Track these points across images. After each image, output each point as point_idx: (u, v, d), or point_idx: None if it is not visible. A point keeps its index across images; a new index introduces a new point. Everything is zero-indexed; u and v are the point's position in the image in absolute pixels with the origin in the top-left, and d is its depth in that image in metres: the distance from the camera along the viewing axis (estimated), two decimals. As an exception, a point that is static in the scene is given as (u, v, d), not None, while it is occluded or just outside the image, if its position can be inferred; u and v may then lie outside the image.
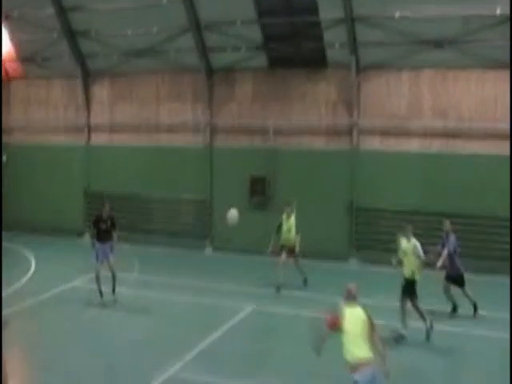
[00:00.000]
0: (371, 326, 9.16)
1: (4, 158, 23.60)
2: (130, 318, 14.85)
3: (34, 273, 18.30)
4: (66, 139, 23.35)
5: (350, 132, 19.44)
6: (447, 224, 14.67)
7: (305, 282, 17.15)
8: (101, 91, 22.75)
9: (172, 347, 12.79)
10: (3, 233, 22.74)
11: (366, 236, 19.25)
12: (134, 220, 21.81)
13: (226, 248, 20.57)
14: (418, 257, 13.17)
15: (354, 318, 9.20)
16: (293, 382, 11.25)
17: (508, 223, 17.49)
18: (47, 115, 23.51)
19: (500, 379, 11.36)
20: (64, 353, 12.68)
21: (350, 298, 9.36)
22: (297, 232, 17.01)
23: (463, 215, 17.74)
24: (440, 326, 13.52)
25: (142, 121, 21.94)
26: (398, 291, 13.42)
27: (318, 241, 18.71)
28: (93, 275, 15.93)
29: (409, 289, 13.22)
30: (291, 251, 17.09)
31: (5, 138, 24.05)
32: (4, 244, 19.96)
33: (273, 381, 11.21)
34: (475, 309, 14.63)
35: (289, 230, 17.07)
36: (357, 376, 8.89)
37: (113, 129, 22.64)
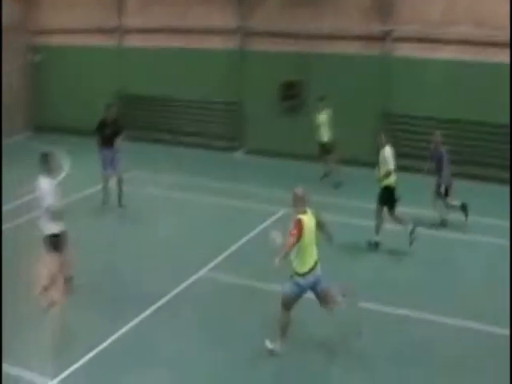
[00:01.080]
0: (320, 225, 9.35)
1: (38, 57, 23.80)
2: (161, 218, 15.33)
3: (67, 174, 18.68)
4: (97, 41, 23.35)
5: (383, 38, 19.18)
6: (438, 136, 14.53)
7: (337, 185, 17.33)
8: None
9: (203, 248, 13.26)
10: (37, 133, 23.39)
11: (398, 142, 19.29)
12: (165, 122, 22.10)
13: (257, 152, 20.81)
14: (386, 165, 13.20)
15: (309, 225, 9.14)
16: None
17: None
18: (80, 16, 23.41)
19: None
20: (95, 250, 13.16)
21: (300, 202, 9.19)
22: (330, 129, 17.04)
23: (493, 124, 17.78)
24: (429, 233, 13.85)
25: (174, 23, 21.82)
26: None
27: (349, 147, 18.81)
28: (127, 175, 16.27)
29: (385, 196, 13.34)
30: (326, 150, 17.30)
31: (38, 39, 24.15)
32: (37, 146, 20.36)
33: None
34: (464, 210, 14.54)
35: (321, 126, 17.20)
36: (301, 281, 9.14)
37: (145, 31, 22.57)
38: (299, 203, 9.19)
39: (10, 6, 22.69)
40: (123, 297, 11.49)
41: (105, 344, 9.95)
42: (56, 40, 23.95)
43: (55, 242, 11.18)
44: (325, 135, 17.46)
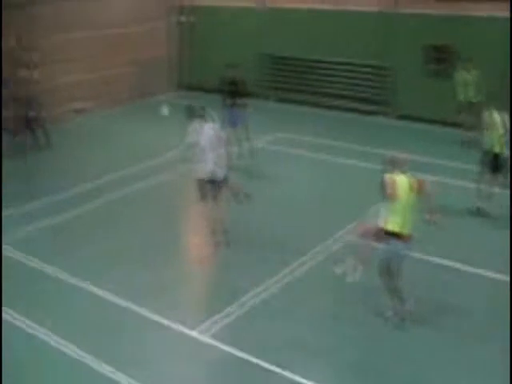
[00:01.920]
0: (419, 188, 9.16)
1: (185, 18, 24.42)
2: (303, 178, 15.49)
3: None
4: (245, 2, 23.45)
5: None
6: None
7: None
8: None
9: (344, 209, 13.25)
10: (185, 92, 24.03)
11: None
12: (312, 84, 21.94)
13: (404, 116, 20.20)
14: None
15: (405, 188, 9.13)
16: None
17: None
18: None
19: None
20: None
21: (398, 167, 9.26)
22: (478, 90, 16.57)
23: None
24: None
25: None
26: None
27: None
28: (269, 137, 16.45)
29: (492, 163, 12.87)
30: (469, 110, 16.76)
31: (187, 1, 24.73)
32: (183, 102, 20.94)
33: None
34: None
35: (468, 86, 16.71)
36: (391, 244, 9.07)
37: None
38: (397, 167, 9.24)
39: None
40: (263, 251, 11.74)
41: (248, 296, 10.21)
42: (203, 1, 24.37)
43: (206, 187, 11.75)
44: (471, 95, 16.95)
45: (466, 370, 8.56)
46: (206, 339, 9.16)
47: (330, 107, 21.42)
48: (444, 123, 18.79)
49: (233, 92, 16.28)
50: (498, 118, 12.85)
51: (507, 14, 18.01)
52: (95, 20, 21.56)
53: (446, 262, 11.17)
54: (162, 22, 24.52)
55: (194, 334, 9.28)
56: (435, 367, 8.58)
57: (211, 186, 11.79)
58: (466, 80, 17.08)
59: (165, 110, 14.53)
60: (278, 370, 8.45)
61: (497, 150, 12.86)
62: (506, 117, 12.85)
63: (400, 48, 20.24)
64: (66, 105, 20.95)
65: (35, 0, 19.73)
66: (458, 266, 11.08)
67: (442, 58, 19.29)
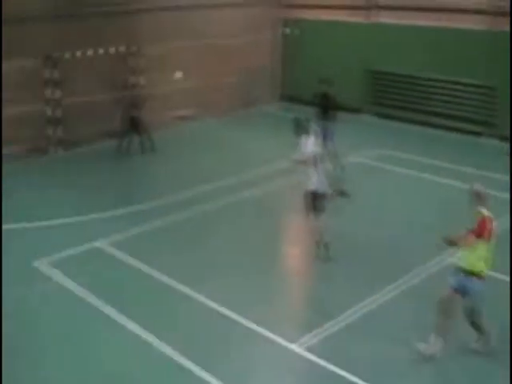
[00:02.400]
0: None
1: (292, 31, 24.60)
2: (409, 195, 15.43)
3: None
4: (349, 16, 23.52)
5: None
6: None
7: None
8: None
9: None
10: (286, 103, 24.24)
11: None
12: (415, 101, 21.76)
13: (508, 137, 19.73)
14: None
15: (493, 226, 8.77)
16: None
17: None
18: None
19: None
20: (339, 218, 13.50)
21: (482, 200, 8.80)
22: None
23: None
24: None
25: (425, 1, 21.32)
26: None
27: None
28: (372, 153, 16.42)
29: None
30: None
31: (292, 13, 24.95)
32: (286, 115, 21.22)
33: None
34: None
35: None
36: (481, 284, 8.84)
37: (397, 8, 22.33)
38: (483, 202, 8.82)
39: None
40: (364, 266, 11.80)
41: (348, 312, 10.23)
42: (308, 14, 24.54)
43: (312, 200, 11.93)
44: None
45: None
46: (306, 353, 9.21)
47: (433, 125, 21.12)
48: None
49: (323, 106, 16.54)
50: None
51: None
52: (202, 29, 22.07)
53: None
54: (268, 34, 24.91)
55: (293, 347, 9.35)
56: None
57: (315, 199, 11.96)
58: None
59: (178, 74, 14.66)
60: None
61: None
62: None
63: (506, 68, 19.77)
64: (170, 111, 21.57)
65: (147, 8, 20.40)
66: None
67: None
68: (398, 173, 16.92)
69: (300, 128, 12.16)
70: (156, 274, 11.48)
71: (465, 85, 20.70)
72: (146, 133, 18.68)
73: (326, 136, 16.10)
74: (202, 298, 10.63)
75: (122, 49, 19.70)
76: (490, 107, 20.27)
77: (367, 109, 22.95)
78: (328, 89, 16.96)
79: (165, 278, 11.29)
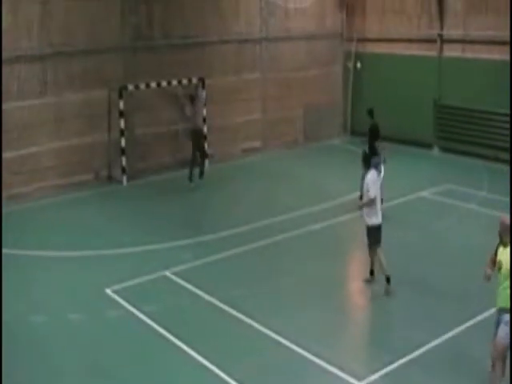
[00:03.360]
0: None
1: (358, 64, 24.70)
2: (476, 232, 15.10)
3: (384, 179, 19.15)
4: (416, 50, 23.48)
5: None
6: None
7: None
8: (455, 2, 22.29)
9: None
10: (354, 137, 24.25)
11: None
12: (482, 136, 21.42)
13: None
14: None
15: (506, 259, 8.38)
16: None
17: None
18: (401, 25, 23.76)
19: None
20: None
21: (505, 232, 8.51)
22: None
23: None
24: None
25: (496, 33, 21.11)
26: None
27: None
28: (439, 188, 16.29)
29: None
30: None
31: (359, 47, 25.03)
32: (353, 148, 21.28)
33: None
34: None
35: None
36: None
37: (465, 41, 22.22)
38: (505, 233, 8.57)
39: (335, 15, 24.34)
40: (439, 305, 11.64)
41: (418, 352, 10.06)
42: (378, 48, 24.59)
43: (374, 233, 12.00)
44: None
45: None
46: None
47: (503, 161, 20.73)
48: None
49: (371, 138, 16.83)
50: None
51: None
52: (271, 62, 22.39)
53: None
54: (337, 68, 25.10)
55: (351, 379, 9.30)
56: None
57: (378, 232, 12.08)
58: None
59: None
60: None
61: None
62: None
63: None
64: (235, 143, 21.85)
65: (216, 40, 20.88)
66: None
67: None
68: (463, 208, 16.70)
69: (366, 161, 12.31)
70: (222, 305, 11.57)
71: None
72: (199, 162, 18.84)
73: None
74: (268, 332, 10.64)
75: (193, 80, 20.11)
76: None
77: (436, 143, 22.76)
78: (372, 120, 17.22)
79: (231, 310, 11.38)
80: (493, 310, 10.97)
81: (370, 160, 12.41)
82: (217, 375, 9.44)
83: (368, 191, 11.98)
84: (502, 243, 8.59)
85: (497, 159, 20.88)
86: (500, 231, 8.63)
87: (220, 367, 9.58)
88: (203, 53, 20.82)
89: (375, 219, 12.03)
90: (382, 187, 15.94)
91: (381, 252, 12.12)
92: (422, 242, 14.52)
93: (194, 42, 20.41)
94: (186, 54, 20.25)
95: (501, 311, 8.55)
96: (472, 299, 11.58)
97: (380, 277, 12.54)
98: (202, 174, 18.73)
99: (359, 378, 9.32)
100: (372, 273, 12.50)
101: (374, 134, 16.90)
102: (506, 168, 20.13)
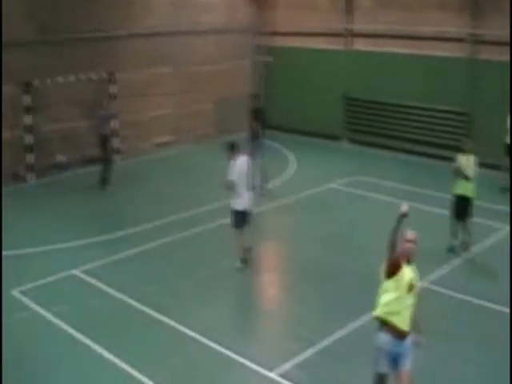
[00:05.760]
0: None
1: (269, 58, 24.85)
2: (383, 222, 15.35)
3: (294, 172, 19.60)
4: (325, 44, 23.83)
5: None
6: None
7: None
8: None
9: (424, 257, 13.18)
10: (265, 131, 24.40)
11: None
12: (391, 128, 22.03)
13: (485, 165, 19.89)
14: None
15: (409, 274, 7.55)
16: None
17: None
18: (311, 19, 24.02)
19: None
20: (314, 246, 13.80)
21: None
22: None
23: None
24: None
25: (403, 28, 21.70)
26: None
27: None
28: (348, 179, 16.62)
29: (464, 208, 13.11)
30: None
31: (269, 41, 25.22)
32: (267, 142, 21.39)
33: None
34: None
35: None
36: (388, 346, 7.53)
37: (373, 36, 22.69)
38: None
39: (245, 9, 24.34)
40: (346, 293, 11.88)
41: (328, 340, 10.26)
42: (287, 42, 24.82)
43: (236, 217, 12.58)
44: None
45: None
46: (284, 381, 9.23)
47: (412, 152, 21.37)
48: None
49: (255, 122, 17.55)
50: (465, 161, 13.26)
51: None
52: (181, 56, 22.26)
53: None
54: (246, 62, 25.13)
55: (271, 374, 9.36)
56: None
57: (244, 217, 12.60)
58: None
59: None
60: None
61: (458, 192, 13.31)
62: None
63: (479, 94, 20.15)
64: (147, 138, 21.64)
65: (126, 34, 20.57)
66: None
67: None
68: (371, 198, 17.13)
69: (232, 150, 12.61)
70: (134, 302, 11.46)
71: (440, 111, 21.03)
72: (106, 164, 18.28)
73: (256, 151, 17.00)
74: (182, 328, 10.61)
75: (102, 75, 19.77)
76: (464, 133, 20.55)
77: (345, 136, 23.22)
78: (258, 104, 17.90)
79: (143, 307, 11.28)
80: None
81: (236, 148, 12.67)
82: (129, 374, 9.35)
83: (232, 176, 12.38)
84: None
85: (404, 150, 21.46)
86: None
87: (134, 366, 9.47)
88: (114, 47, 20.45)
89: (236, 204, 12.54)
90: (264, 172, 16.86)
91: (241, 236, 12.65)
92: (331, 232, 14.82)
93: (104, 35, 20.00)
94: (96, 49, 19.85)
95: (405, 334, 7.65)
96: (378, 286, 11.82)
97: (288, 267, 12.79)
98: (104, 180, 18.06)
99: (271, 369, 9.42)
100: (245, 257, 12.83)
101: (257, 118, 17.60)
102: (413, 158, 20.78)
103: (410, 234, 7.58)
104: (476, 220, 13.76)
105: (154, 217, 15.55)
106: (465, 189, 13.29)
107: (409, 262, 7.57)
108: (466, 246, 13.47)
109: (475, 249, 13.65)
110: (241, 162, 12.53)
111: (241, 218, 12.61)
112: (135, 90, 20.89)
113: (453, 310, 11.32)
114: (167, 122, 22.16)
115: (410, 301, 7.51)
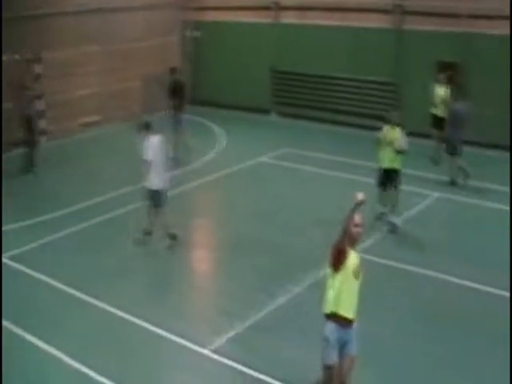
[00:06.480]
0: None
1: (197, 33, 24.61)
2: (312, 193, 15.66)
3: (223, 147, 19.49)
4: (253, 17, 23.70)
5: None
6: None
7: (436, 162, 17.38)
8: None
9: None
10: (194, 107, 24.17)
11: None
12: (322, 100, 22.13)
13: (412, 134, 20.18)
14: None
15: (354, 260, 7.42)
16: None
17: None
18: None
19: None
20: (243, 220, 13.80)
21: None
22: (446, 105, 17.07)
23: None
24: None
25: (329, 0, 21.69)
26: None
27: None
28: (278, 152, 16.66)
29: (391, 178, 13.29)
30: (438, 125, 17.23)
31: (197, 15, 24.94)
32: (195, 118, 21.31)
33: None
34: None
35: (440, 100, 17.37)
36: (335, 334, 7.42)
37: (301, 8, 22.69)
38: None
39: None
40: (277, 266, 11.94)
41: (260, 314, 10.30)
42: (214, 16, 24.61)
43: (152, 197, 12.52)
44: (441, 110, 17.49)
45: None
46: (216, 356, 9.22)
47: (340, 123, 21.53)
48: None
49: (174, 96, 17.54)
50: (391, 133, 13.33)
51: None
52: (106, 34, 21.78)
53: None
54: (175, 37, 24.78)
55: (204, 351, 9.34)
56: None
57: (157, 196, 12.53)
58: (438, 93, 17.75)
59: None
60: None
61: (385, 165, 13.41)
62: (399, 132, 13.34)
63: (407, 64, 20.42)
64: (75, 118, 21.17)
65: (48, 13, 19.95)
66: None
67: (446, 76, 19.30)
68: (301, 171, 17.23)
69: (146, 130, 12.50)
70: (64, 287, 11.22)
71: (367, 82, 21.24)
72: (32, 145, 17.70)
73: (176, 126, 17.27)
74: (105, 306, 10.52)
75: (27, 55, 19.20)
76: (392, 103, 20.81)
77: (274, 109, 23.22)
78: (177, 77, 17.88)
79: (74, 291, 11.06)
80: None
81: (150, 127, 12.53)
82: (61, 360, 9.17)
83: (147, 154, 12.31)
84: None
85: (333, 122, 21.60)
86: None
87: (67, 352, 9.27)
88: (40, 25, 19.75)
89: (151, 184, 12.45)
90: (183, 147, 17.28)
91: (162, 214, 12.62)
92: (262, 206, 14.84)
93: (30, 14, 19.28)
94: (21, 28, 19.11)
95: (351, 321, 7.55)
96: (309, 259, 11.94)
97: (218, 243, 12.97)
98: (30, 162, 17.50)
99: (204, 345, 9.41)
100: (150, 233, 12.81)
101: (176, 92, 17.63)
102: (342, 130, 20.95)
103: (357, 218, 7.32)
104: (405, 188, 13.94)
105: (83, 198, 15.23)
106: (392, 161, 13.36)
107: (353, 246, 7.45)
108: (393, 214, 13.58)
109: (404, 215, 13.86)
110: (155, 142, 12.39)
111: (158, 198, 12.51)
112: (62, 70, 20.33)
113: (385, 278, 11.47)
114: (95, 101, 21.70)
115: (356, 287, 7.43)
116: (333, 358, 7.40)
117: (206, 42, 24.67)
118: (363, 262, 7.55)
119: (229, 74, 23.90)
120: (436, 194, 15.41)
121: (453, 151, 15.94)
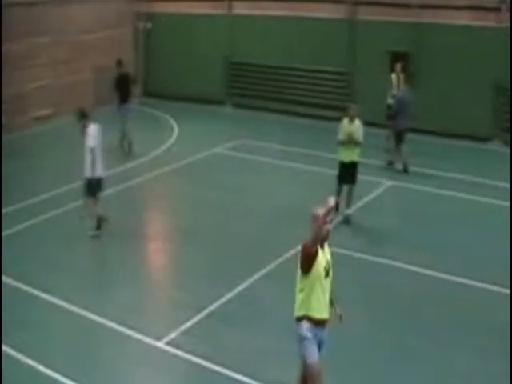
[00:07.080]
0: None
1: (149, 25, 24.39)
2: (269, 185, 15.67)
3: (177, 139, 19.38)
4: (206, 9, 23.58)
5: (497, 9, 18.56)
6: None
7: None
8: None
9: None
10: (147, 99, 24.01)
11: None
12: (272, 90, 22.15)
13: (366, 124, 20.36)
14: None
15: (325, 257, 7.34)
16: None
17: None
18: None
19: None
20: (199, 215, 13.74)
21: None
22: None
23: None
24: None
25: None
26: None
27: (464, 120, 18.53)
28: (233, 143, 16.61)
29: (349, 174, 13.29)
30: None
31: (149, 7, 24.74)
32: (148, 110, 21.17)
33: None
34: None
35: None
36: (311, 332, 7.30)
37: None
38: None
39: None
40: (231, 258, 11.92)
41: (215, 305, 10.27)
42: (167, 8, 24.40)
43: (93, 185, 12.55)
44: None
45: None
46: (172, 349, 9.18)
47: (295, 114, 21.57)
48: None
49: (121, 87, 17.71)
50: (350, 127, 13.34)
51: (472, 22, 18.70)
52: (58, 26, 21.43)
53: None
54: (127, 29, 24.52)
55: (159, 344, 9.29)
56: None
57: (97, 185, 12.61)
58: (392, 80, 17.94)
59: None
60: (244, 378, 8.52)
61: (345, 159, 13.38)
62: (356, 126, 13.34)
63: (360, 55, 20.58)
64: (28, 112, 20.81)
65: (5, 3, 19.55)
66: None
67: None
68: (257, 162, 17.24)
69: (83, 118, 12.59)
70: (9, 280, 11.02)
71: (322, 72, 21.32)
72: None
73: (122, 118, 17.39)
74: (56, 301, 10.39)
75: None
76: (346, 93, 20.96)
77: (229, 100, 23.16)
78: (123, 70, 18.11)
79: (26, 287, 10.88)
80: (282, 259, 11.61)
81: (86, 115, 12.63)
82: (17, 358, 8.97)
83: (90, 141, 12.36)
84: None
85: (288, 112, 21.64)
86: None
87: (19, 351, 9.08)
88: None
89: (91, 172, 12.46)
90: (127, 137, 17.46)
91: (99, 202, 12.69)
92: (216, 197, 14.77)
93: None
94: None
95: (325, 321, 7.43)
96: (264, 249, 12.02)
97: (171, 235, 12.81)
98: None
99: (158, 338, 9.35)
100: (104, 219, 12.78)
101: (122, 84, 17.75)
102: (297, 120, 21.01)
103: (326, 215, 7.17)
104: (360, 177, 13.97)
105: (34, 193, 14.95)
106: (351, 155, 13.34)
107: (322, 243, 7.31)
108: (348, 208, 13.62)
109: (358, 204, 14.00)
110: (93, 130, 12.50)
111: (96, 186, 12.58)
112: (12, 62, 19.96)
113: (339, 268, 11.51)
114: (46, 94, 21.32)
115: (327, 285, 7.34)
116: (315, 356, 7.31)
117: (159, 34, 24.47)
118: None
119: (182, 65, 23.75)
120: (389, 182, 15.57)
121: (400, 139, 16.14)
